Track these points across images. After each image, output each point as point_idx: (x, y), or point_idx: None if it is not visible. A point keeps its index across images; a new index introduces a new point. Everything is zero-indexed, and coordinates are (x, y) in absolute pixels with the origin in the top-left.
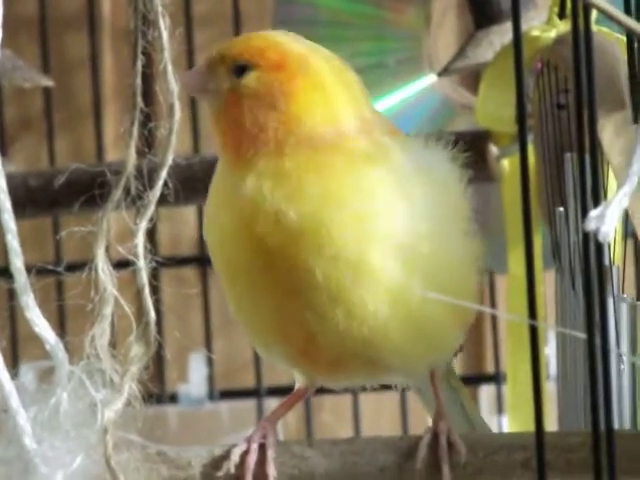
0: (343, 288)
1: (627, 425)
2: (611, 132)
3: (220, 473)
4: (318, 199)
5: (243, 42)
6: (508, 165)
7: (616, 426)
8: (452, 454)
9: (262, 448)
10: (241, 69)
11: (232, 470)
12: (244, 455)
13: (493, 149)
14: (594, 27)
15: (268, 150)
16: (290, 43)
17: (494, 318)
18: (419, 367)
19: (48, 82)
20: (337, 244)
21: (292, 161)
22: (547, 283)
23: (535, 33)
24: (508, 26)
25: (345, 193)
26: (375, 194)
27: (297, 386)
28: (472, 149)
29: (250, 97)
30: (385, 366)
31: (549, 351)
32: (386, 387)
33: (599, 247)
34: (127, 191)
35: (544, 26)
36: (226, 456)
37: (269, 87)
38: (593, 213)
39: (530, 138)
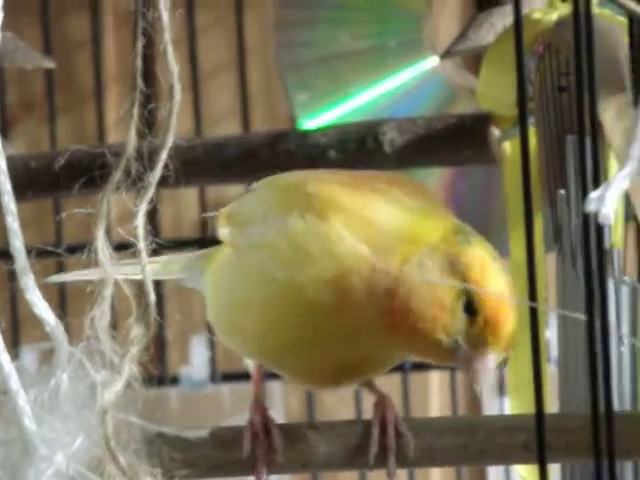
0: None
1: (627, 407)
2: (612, 115)
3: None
4: None
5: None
6: (509, 148)
7: (616, 408)
8: (401, 443)
9: (265, 427)
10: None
11: (245, 453)
12: (253, 437)
13: (494, 132)
14: (595, 10)
15: None
16: None
17: None
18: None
19: (50, 64)
20: None
21: None
22: (548, 266)
23: (536, 16)
24: (510, 8)
25: None
26: None
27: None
28: (473, 132)
29: None
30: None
31: (550, 334)
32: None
33: (599, 229)
34: (127, 173)
35: (546, 9)
36: (230, 438)
37: None
38: (593, 195)
39: (531, 121)
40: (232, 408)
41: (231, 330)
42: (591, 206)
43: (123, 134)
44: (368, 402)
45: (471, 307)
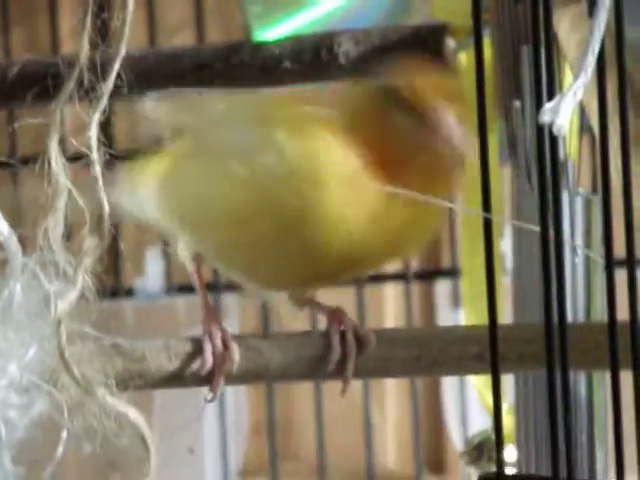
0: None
1: (581, 318)
2: (567, 25)
3: (186, 367)
4: None
5: None
6: (465, 59)
7: (570, 319)
8: (364, 347)
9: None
10: None
11: (208, 367)
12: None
13: (450, 42)
14: None
15: None
16: None
17: (450, 212)
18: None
19: None
20: None
21: None
22: (504, 179)
23: None
24: None
25: None
26: None
27: (191, 267)
28: (429, 42)
29: None
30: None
31: (505, 246)
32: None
33: (553, 140)
34: (81, 83)
35: None
36: (186, 350)
37: None
38: (547, 105)
39: (486, 32)
40: (187, 320)
41: (194, 225)
42: (545, 117)
43: (76, 45)
44: (323, 318)
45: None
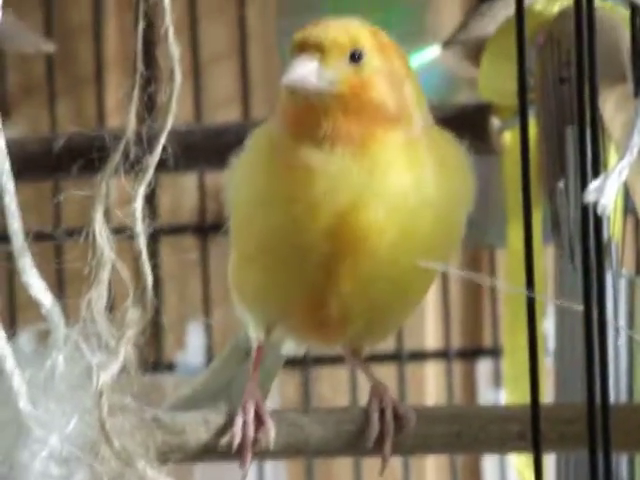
0: (384, 279)
1: (623, 399)
2: (612, 106)
3: (219, 441)
4: (405, 198)
5: (349, 29)
6: (509, 138)
7: (612, 400)
8: (403, 425)
9: (257, 415)
10: (356, 55)
11: (237, 441)
12: (243, 425)
13: (495, 122)
14: (598, 2)
15: (379, 131)
16: (378, 28)
17: (493, 292)
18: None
19: (50, 47)
20: (403, 243)
21: (394, 149)
22: (547, 258)
23: (538, 7)
24: None
25: (423, 198)
26: (439, 199)
27: (255, 345)
28: (474, 121)
29: (377, 81)
30: (374, 329)
31: (547, 326)
32: (382, 359)
33: (598, 220)
34: (126, 156)
35: (547, 0)
36: (223, 423)
37: (390, 67)
38: (592, 185)
39: (532, 111)
40: None
41: (250, 285)
42: (590, 196)
43: (122, 118)
44: (364, 393)
45: None
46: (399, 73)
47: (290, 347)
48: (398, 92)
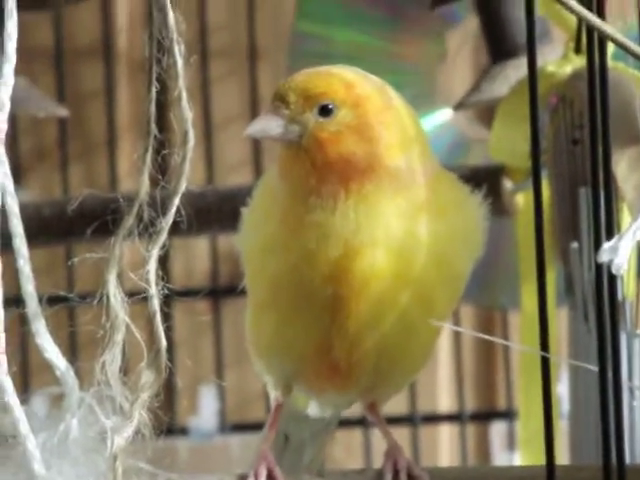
0: (394, 328)
1: (639, 461)
2: (625, 167)
3: None
4: (397, 243)
5: (320, 81)
6: (522, 200)
7: (627, 461)
8: None
9: (270, 478)
10: (325, 108)
11: None
12: None
13: (507, 184)
14: (610, 63)
15: (353, 183)
16: (364, 78)
17: (506, 354)
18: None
19: (63, 112)
20: (406, 292)
21: (375, 198)
22: (560, 321)
23: (551, 68)
24: (524, 61)
25: (418, 241)
26: (437, 243)
27: (274, 403)
28: (486, 184)
29: (345, 135)
30: (385, 377)
31: (562, 389)
32: (396, 421)
33: (612, 280)
34: (140, 219)
35: (560, 61)
36: None
37: (363, 121)
38: (606, 245)
39: (544, 173)
40: (241, 459)
41: (263, 337)
42: (604, 256)
43: (135, 183)
44: (378, 454)
45: None
46: (375, 124)
47: (314, 409)
48: (373, 144)
